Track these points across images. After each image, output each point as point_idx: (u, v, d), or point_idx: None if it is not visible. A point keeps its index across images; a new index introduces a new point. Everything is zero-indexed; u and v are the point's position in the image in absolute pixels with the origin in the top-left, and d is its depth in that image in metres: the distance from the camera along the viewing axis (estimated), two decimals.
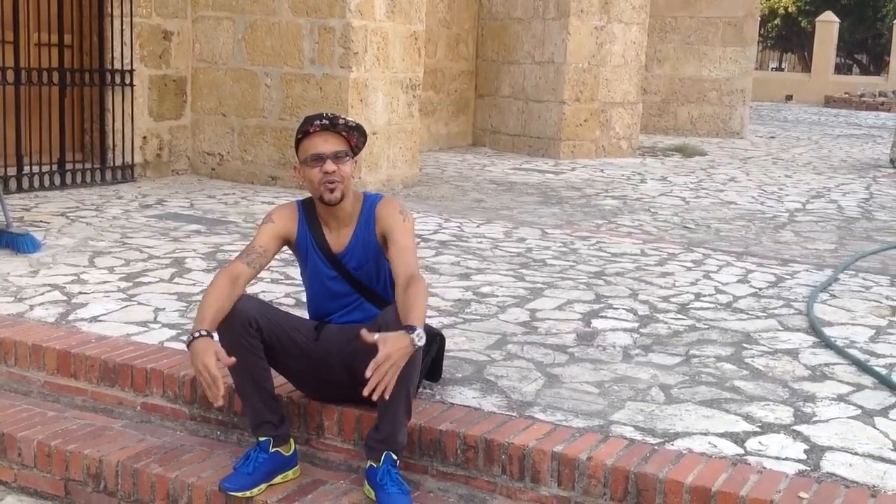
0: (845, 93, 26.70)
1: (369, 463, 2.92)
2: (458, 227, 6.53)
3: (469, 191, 8.40)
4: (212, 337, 2.77)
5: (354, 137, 3.03)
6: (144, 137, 8.01)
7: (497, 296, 4.69)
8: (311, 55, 7.81)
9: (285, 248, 3.17)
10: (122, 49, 7.70)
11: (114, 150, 7.74)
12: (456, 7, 11.75)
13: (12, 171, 7.00)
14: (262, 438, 2.98)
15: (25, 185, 7.02)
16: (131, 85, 7.78)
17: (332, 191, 2.96)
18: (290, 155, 7.92)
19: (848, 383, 3.58)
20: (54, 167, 7.29)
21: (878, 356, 3.93)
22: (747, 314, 4.52)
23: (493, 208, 7.48)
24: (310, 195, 3.09)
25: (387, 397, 2.61)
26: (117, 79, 7.69)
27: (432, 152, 11.00)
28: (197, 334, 2.73)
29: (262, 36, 7.99)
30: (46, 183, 7.18)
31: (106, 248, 5.36)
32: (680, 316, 4.46)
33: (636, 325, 4.27)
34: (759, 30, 34.83)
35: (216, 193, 7.48)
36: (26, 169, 7.07)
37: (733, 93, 14.85)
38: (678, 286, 5.05)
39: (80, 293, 4.40)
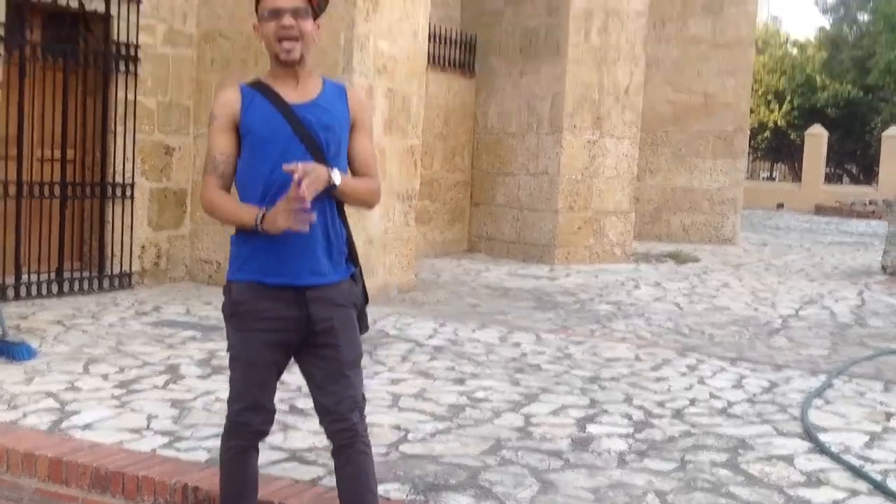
0: (836, 201, 27.08)
1: None
2: (454, 331, 6.56)
3: (464, 296, 8.45)
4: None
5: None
6: (143, 246, 8.10)
7: (491, 401, 4.69)
8: None
9: None
10: (125, 164, 7.87)
11: (112, 258, 7.83)
12: (452, 122, 12.05)
13: (10, 279, 7.06)
14: None
15: (23, 293, 7.07)
16: (132, 197, 7.92)
17: (289, 50, 2.75)
18: None
19: (843, 489, 3.57)
20: (52, 275, 7.36)
21: (873, 462, 3.92)
22: (742, 420, 4.52)
23: (488, 313, 7.52)
24: (255, 77, 2.93)
25: (307, 197, 2.57)
26: (118, 192, 7.84)
27: (428, 258, 11.11)
28: (258, 218, 2.66)
29: None
30: (44, 291, 7.23)
31: (101, 355, 5.38)
32: (675, 421, 4.45)
33: (631, 430, 4.27)
34: (750, 141, 35.71)
35: (213, 300, 7.52)
36: (24, 278, 7.14)
37: (724, 202, 15.10)
38: (673, 391, 5.06)
39: (74, 400, 4.40)
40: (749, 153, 37.25)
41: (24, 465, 3.65)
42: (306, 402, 4.45)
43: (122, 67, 7.85)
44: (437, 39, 11.41)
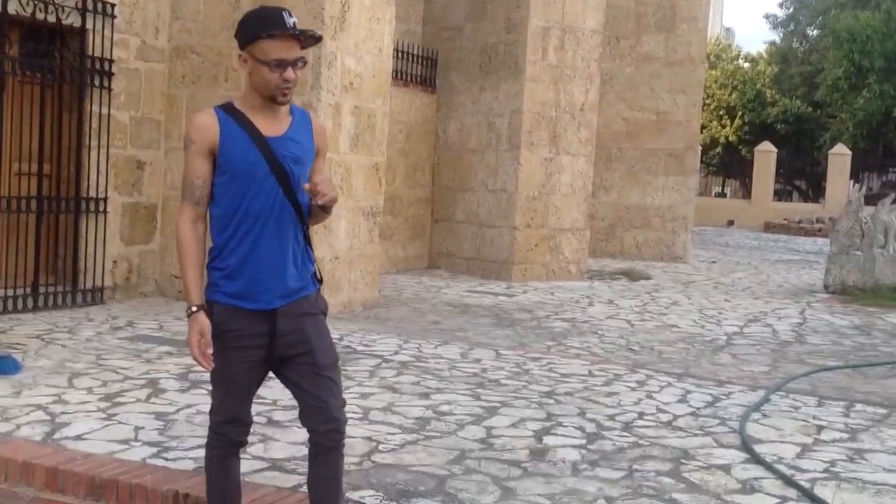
0: (784, 219, 27.86)
1: None
2: (417, 348, 6.89)
3: (426, 313, 8.79)
4: (203, 309, 2.98)
5: (310, 45, 3.05)
6: (115, 261, 8.33)
7: (455, 414, 5.03)
8: None
9: None
10: (98, 178, 8.09)
11: (85, 273, 8.04)
12: (414, 138, 12.38)
13: None
14: None
15: (0, 307, 7.26)
16: (105, 212, 8.14)
17: (285, 95, 2.98)
18: None
19: (774, 496, 3.96)
20: (28, 290, 7.56)
21: (803, 471, 4.32)
22: (686, 432, 4.91)
23: (449, 330, 7.87)
24: (228, 101, 3.11)
25: (331, 206, 2.97)
26: (91, 206, 8.06)
27: (390, 274, 11.42)
28: (189, 312, 2.98)
29: None
30: (20, 306, 7.42)
31: (83, 369, 5.63)
32: (624, 433, 4.83)
33: (584, 441, 4.64)
34: (703, 157, 36.53)
35: (183, 316, 7.76)
36: (0, 292, 7.33)
37: (676, 219, 15.59)
38: (623, 405, 5.44)
39: (63, 413, 4.66)
40: (701, 169, 38.22)
41: (22, 475, 3.91)
42: (283, 415, 4.77)
43: (96, 82, 8.07)
44: (400, 55, 11.70)
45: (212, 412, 3.18)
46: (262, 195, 2.98)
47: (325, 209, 3.03)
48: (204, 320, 2.97)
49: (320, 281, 3.20)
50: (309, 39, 2.99)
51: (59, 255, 8.07)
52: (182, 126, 8.68)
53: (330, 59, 8.24)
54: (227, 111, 3.02)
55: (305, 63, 3.03)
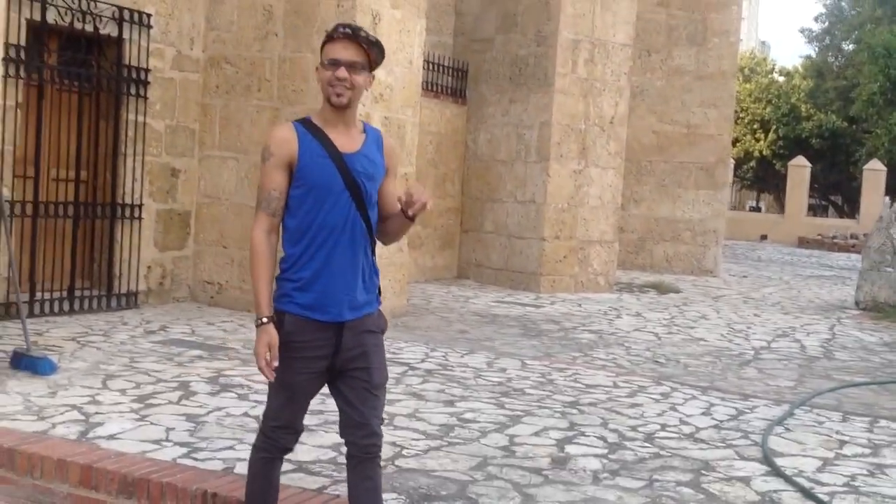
0: (818, 234, 27.67)
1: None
2: (444, 356, 6.97)
3: (454, 322, 8.87)
4: (272, 320, 3.04)
5: (374, 53, 3.11)
6: (149, 267, 8.50)
7: (479, 421, 5.10)
8: None
9: None
10: (133, 185, 8.27)
11: (120, 278, 8.21)
12: (443, 149, 12.49)
13: (25, 297, 7.41)
14: None
15: (37, 310, 7.44)
16: (140, 218, 8.32)
17: (339, 94, 3.05)
18: None
19: None
20: (64, 293, 7.74)
21: (822, 484, 4.35)
22: (707, 444, 4.95)
23: (476, 339, 7.94)
24: (306, 116, 3.22)
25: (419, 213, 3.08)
26: (127, 212, 8.23)
27: (419, 284, 11.52)
28: (259, 321, 3.03)
29: None
30: (56, 309, 7.61)
31: (116, 371, 5.77)
32: (646, 444, 4.87)
33: (606, 451, 4.69)
34: (736, 171, 36.39)
35: (215, 321, 7.92)
36: (38, 295, 7.51)
37: (706, 233, 15.56)
38: (646, 417, 5.48)
39: (97, 413, 4.79)
40: (735, 183, 38.10)
41: (57, 472, 4.04)
42: (309, 419, 4.83)
43: (132, 91, 8.26)
44: (430, 66, 11.84)
45: (267, 417, 3.23)
46: (336, 209, 3.07)
47: (414, 218, 3.12)
48: (273, 332, 3.04)
49: (379, 298, 3.27)
50: (367, 42, 3.08)
51: (95, 259, 8.25)
52: (216, 135, 8.86)
53: None
54: (305, 126, 3.13)
55: (365, 69, 3.10)
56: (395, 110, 8.88)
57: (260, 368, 3.05)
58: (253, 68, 8.69)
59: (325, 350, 3.12)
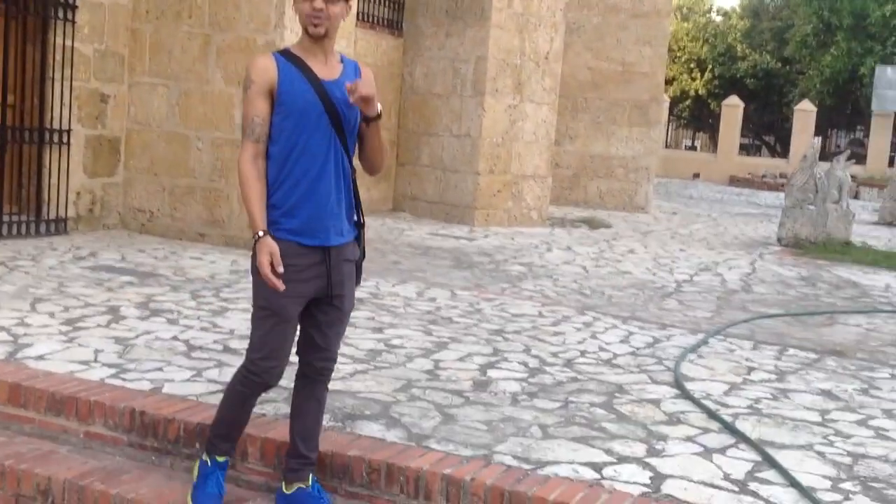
0: (749, 173, 28.24)
1: (296, 486, 3.38)
2: (375, 286, 7.09)
3: (387, 253, 8.98)
4: (269, 234, 3.12)
5: None
6: (78, 193, 8.43)
7: (406, 347, 5.25)
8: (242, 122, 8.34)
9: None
10: (62, 110, 8.15)
11: (48, 204, 8.14)
12: (379, 81, 12.24)
13: None
14: (220, 459, 3.41)
15: None
16: (68, 144, 8.22)
17: (316, 25, 3.15)
18: (218, 214, 8.44)
19: (697, 427, 4.23)
20: None
21: (727, 406, 4.59)
22: (623, 369, 5.17)
23: (408, 270, 8.07)
24: (284, 47, 3.35)
25: (372, 114, 3.19)
26: (55, 138, 8.13)
27: None
28: (256, 236, 3.11)
29: (196, 103, 8.52)
30: None
31: (45, 295, 5.78)
32: (565, 369, 5.08)
33: (526, 375, 4.88)
34: (672, 109, 36.78)
35: (146, 248, 7.92)
36: None
37: (639, 170, 15.82)
38: (567, 344, 5.69)
39: (26, 334, 4.83)
40: (671, 121, 38.52)
41: None
42: (239, 343, 4.96)
43: (60, 14, 8.10)
44: None
45: (251, 349, 3.27)
46: (317, 135, 3.17)
47: (367, 120, 3.21)
48: (272, 243, 3.11)
49: (362, 225, 3.38)
50: None
51: (23, 185, 8.16)
52: (146, 61, 8.74)
53: None
54: (285, 56, 3.21)
55: (341, 0, 3.17)
56: None
57: (267, 277, 3.08)
58: None
59: (315, 273, 3.20)
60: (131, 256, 7.44)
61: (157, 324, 5.32)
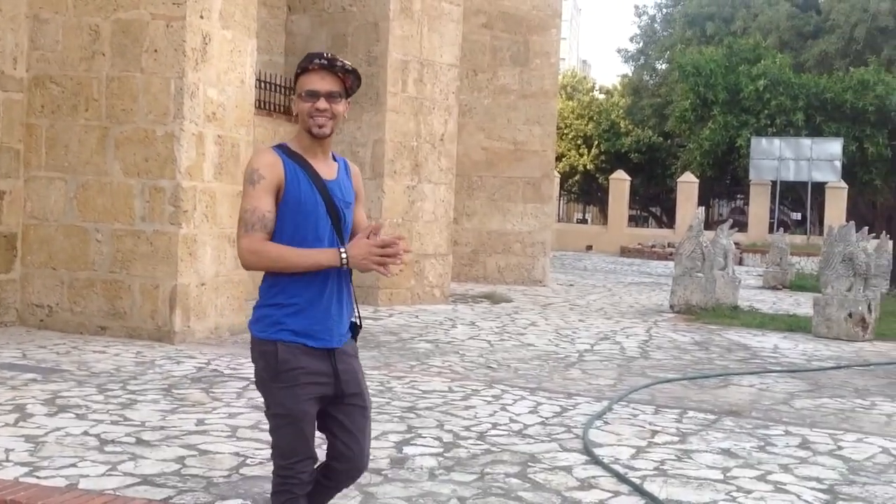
0: (639, 244, 29.20)
1: None
2: None
3: None
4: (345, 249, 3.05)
5: (350, 80, 3.14)
6: None
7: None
8: (142, 213, 8.35)
9: None
10: None
11: None
12: None
13: None
14: None
15: None
16: None
17: (320, 126, 3.07)
18: (120, 306, 8.36)
19: (609, 491, 4.40)
20: None
21: (636, 469, 4.79)
22: (534, 439, 5.33)
23: None
24: (279, 143, 3.24)
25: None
26: None
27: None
28: (342, 257, 3.03)
29: (94, 195, 8.48)
30: None
31: None
32: (479, 442, 5.21)
33: (441, 450, 4.99)
34: (563, 184, 37.90)
35: (46, 344, 7.77)
36: None
37: (535, 245, 16.25)
38: (479, 417, 5.83)
39: None
40: (562, 196, 39.65)
41: None
42: (152, 435, 4.94)
43: None
44: (263, 85, 11.91)
45: (280, 457, 3.15)
46: (319, 233, 3.09)
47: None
48: (354, 242, 3.05)
49: (360, 327, 3.32)
50: (343, 71, 3.12)
51: None
52: (42, 155, 8.68)
53: (192, 90, 8.40)
54: (285, 152, 3.13)
55: (343, 97, 3.13)
56: (228, 129, 8.96)
57: (389, 256, 3.04)
58: (80, 88, 8.58)
59: (324, 377, 3.12)
60: (32, 353, 7.29)
61: (66, 419, 5.25)
